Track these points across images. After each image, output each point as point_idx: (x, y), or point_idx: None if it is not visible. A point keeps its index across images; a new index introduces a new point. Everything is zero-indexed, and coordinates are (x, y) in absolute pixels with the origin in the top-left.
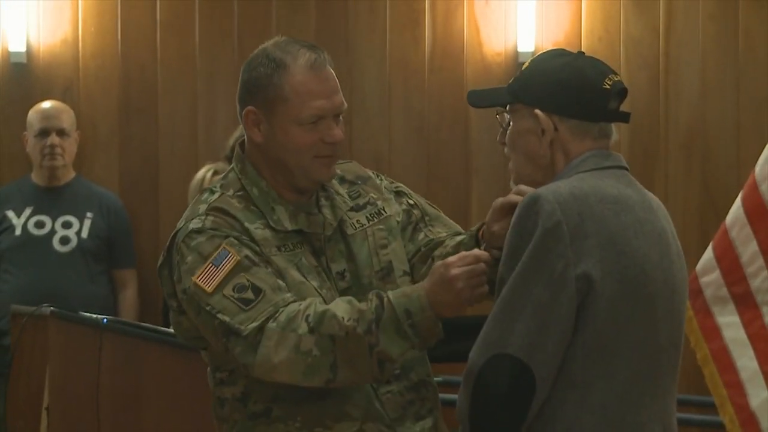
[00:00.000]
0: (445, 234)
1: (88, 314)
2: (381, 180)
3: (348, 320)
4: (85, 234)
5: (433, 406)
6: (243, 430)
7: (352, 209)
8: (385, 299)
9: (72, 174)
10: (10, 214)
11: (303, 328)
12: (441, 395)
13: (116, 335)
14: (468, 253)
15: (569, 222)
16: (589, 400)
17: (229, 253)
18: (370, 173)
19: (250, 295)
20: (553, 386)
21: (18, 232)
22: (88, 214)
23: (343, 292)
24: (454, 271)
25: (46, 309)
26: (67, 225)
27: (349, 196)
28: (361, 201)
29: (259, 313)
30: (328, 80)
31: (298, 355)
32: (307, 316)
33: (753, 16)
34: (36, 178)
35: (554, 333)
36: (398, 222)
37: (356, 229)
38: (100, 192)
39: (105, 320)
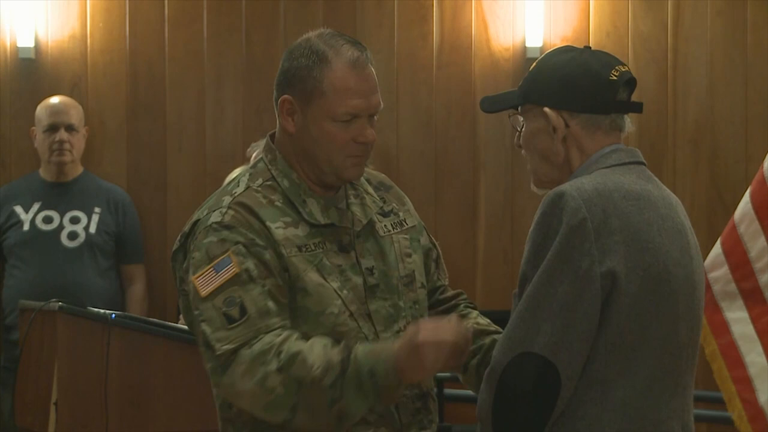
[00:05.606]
0: (446, 284)
1: (97, 309)
2: (404, 196)
3: (317, 368)
4: (92, 229)
5: (433, 419)
6: (256, 430)
7: (379, 213)
8: (353, 355)
9: (80, 169)
10: (18, 209)
11: (273, 364)
12: (444, 390)
13: (124, 330)
14: (443, 325)
15: (594, 219)
16: (610, 397)
17: (231, 262)
18: (392, 184)
19: (235, 313)
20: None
21: (26, 227)
22: (96, 210)
23: (371, 289)
24: (422, 338)
25: (55, 304)
26: (75, 220)
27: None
28: (386, 208)
29: (237, 335)
30: (368, 79)
31: (262, 390)
32: (280, 353)
33: (761, 12)
34: (44, 173)
35: (580, 331)
36: (421, 244)
37: (384, 233)
38: (108, 187)
39: (113, 315)
